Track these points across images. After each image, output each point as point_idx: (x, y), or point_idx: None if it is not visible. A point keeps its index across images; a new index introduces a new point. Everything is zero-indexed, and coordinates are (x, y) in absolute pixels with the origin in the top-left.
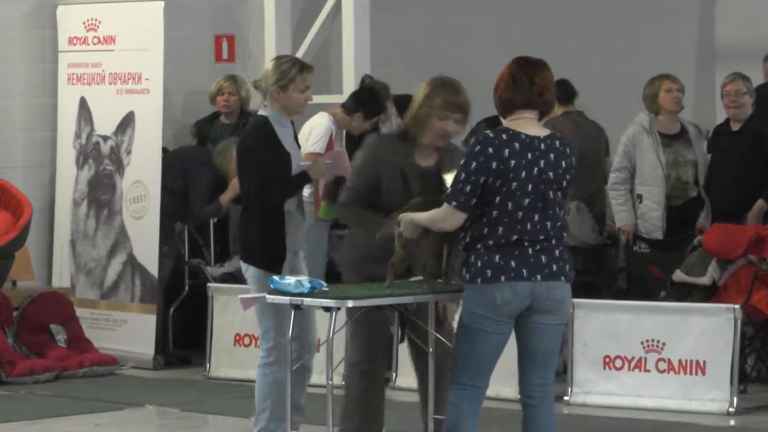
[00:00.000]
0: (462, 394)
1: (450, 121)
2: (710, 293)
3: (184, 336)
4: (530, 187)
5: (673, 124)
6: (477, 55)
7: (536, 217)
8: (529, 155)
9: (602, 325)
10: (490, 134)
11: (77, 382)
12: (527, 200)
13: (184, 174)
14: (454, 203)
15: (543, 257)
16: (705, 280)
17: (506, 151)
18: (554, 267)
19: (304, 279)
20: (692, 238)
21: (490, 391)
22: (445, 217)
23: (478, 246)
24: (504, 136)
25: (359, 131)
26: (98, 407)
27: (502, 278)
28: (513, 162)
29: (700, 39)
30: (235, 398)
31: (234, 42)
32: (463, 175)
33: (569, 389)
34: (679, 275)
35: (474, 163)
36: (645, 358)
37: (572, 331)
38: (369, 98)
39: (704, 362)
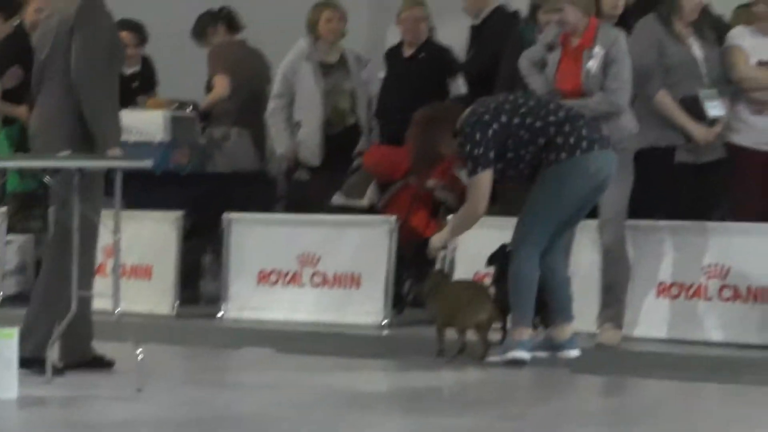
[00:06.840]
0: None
1: None
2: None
3: None
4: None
5: (332, 52)
6: None
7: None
8: None
9: (257, 240)
10: None
11: None
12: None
13: None
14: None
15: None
16: (364, 202)
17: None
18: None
19: None
20: (351, 163)
21: None
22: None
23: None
24: None
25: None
26: None
27: None
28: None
29: None
30: None
31: None
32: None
33: (223, 305)
34: (337, 199)
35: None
36: (300, 273)
37: (227, 247)
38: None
39: (360, 275)
